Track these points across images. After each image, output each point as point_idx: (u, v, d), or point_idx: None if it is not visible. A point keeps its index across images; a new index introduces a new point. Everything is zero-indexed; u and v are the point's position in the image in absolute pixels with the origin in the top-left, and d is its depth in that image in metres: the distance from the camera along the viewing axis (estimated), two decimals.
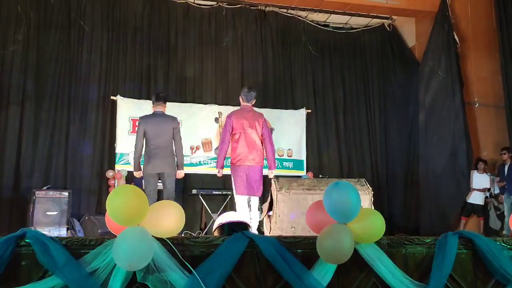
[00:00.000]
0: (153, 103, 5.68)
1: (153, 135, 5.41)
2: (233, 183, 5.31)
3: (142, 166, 5.52)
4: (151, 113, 5.66)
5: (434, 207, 8.56)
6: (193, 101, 8.99)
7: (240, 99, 5.65)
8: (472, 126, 8.50)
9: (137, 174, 5.57)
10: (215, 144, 8.88)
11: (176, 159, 5.50)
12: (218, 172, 5.38)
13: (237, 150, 5.14)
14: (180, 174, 5.60)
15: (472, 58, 8.72)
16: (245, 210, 5.09)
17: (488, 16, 8.66)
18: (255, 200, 5.20)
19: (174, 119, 5.63)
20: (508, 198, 7.66)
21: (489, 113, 8.60)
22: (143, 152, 5.48)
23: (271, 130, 9.21)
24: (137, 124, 5.72)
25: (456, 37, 8.46)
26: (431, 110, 8.81)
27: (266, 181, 7.02)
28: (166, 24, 9.11)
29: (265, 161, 5.57)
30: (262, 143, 5.28)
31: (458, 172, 8.27)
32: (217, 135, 8.95)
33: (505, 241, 3.05)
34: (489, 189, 8.22)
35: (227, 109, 9.02)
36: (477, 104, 8.57)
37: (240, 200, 5.12)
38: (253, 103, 5.52)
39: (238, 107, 9.03)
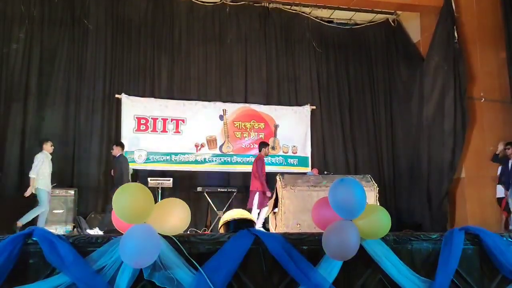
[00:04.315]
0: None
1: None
2: None
3: None
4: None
5: (437, 203, 8.54)
6: (198, 98, 9.01)
7: None
8: (477, 121, 8.46)
9: None
10: (220, 141, 8.90)
11: None
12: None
13: None
14: None
15: (478, 53, 8.65)
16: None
17: (494, 10, 8.58)
18: (254, 209, 7.10)
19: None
20: None
21: (495, 108, 8.54)
22: None
23: (276, 126, 9.26)
24: None
25: (455, 32, 8.39)
26: (435, 105, 8.77)
27: (270, 179, 7.08)
28: (170, 22, 9.12)
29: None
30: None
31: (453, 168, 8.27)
32: (222, 133, 8.96)
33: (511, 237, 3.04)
34: None
35: (231, 106, 9.07)
36: (483, 99, 8.51)
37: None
38: (262, 152, 7.65)
39: (241, 104, 9.19)
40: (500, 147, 7.93)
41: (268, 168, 9.03)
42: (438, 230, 7.19)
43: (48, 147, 7.01)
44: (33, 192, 6.68)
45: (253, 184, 7.33)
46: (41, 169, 6.73)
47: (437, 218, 8.39)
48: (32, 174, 6.70)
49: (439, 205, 8.41)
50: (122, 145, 7.58)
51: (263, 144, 7.80)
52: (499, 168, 7.81)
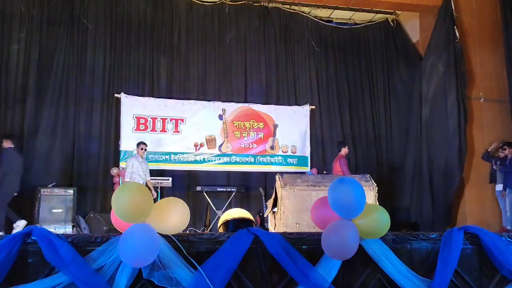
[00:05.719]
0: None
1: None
2: None
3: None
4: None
5: (437, 202, 8.54)
6: (197, 98, 9.00)
7: None
8: (476, 121, 8.46)
9: None
10: (219, 141, 8.89)
11: None
12: None
13: None
14: None
15: (477, 53, 8.66)
16: None
17: (493, 10, 8.59)
18: None
19: None
20: (510, 193, 7.60)
21: (494, 108, 8.54)
22: None
23: (275, 126, 9.25)
24: None
25: (456, 31, 8.39)
26: (433, 105, 8.77)
27: (271, 177, 7.05)
28: (169, 22, 9.11)
29: None
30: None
31: (461, 167, 8.25)
32: (221, 132, 8.96)
33: (511, 236, 3.04)
34: None
35: (230, 106, 9.06)
36: (482, 99, 8.51)
37: None
38: (342, 152, 7.59)
39: (241, 104, 9.20)
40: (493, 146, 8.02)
41: (268, 168, 9.07)
42: (439, 230, 7.20)
43: (138, 150, 7.37)
44: None
45: None
46: (133, 173, 7.18)
47: (440, 218, 8.35)
48: (125, 178, 7.18)
49: (447, 205, 8.36)
50: (12, 138, 7.25)
51: (341, 143, 7.85)
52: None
